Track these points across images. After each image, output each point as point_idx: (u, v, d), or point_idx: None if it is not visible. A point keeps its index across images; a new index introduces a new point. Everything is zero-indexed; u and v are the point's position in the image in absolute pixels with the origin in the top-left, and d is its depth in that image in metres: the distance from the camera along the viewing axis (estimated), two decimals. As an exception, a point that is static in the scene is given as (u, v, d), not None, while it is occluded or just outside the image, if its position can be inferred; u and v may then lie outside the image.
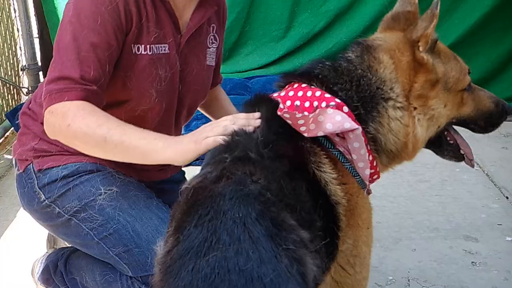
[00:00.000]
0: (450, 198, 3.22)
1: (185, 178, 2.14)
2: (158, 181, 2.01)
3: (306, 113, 1.39)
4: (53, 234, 2.17)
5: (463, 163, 1.75)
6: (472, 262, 2.60)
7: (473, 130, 1.75)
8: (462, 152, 1.72)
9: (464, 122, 1.70)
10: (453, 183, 3.38)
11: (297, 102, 1.44)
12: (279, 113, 1.36)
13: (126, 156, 1.57)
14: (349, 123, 1.34)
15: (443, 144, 1.70)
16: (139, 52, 1.70)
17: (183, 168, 2.14)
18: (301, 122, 1.34)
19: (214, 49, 1.97)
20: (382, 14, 1.71)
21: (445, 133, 1.69)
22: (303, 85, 1.48)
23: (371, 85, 1.48)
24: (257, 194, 1.12)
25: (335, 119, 1.33)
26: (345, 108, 1.40)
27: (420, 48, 1.48)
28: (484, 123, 1.72)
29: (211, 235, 1.03)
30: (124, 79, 1.71)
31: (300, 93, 1.45)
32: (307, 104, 1.42)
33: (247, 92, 4.50)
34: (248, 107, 1.49)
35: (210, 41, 1.94)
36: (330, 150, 1.40)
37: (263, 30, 5.09)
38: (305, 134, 1.34)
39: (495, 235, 2.84)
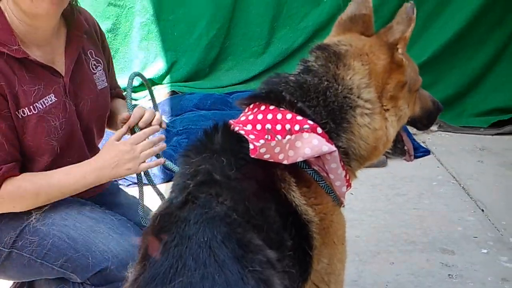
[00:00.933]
0: (427, 212, 3.27)
1: (120, 189, 2.25)
2: (95, 196, 2.06)
3: (279, 136, 1.38)
4: (4, 278, 2.17)
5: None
6: (449, 274, 2.65)
7: (418, 128, 1.83)
8: (405, 148, 1.77)
9: (413, 121, 1.73)
10: (430, 197, 3.44)
11: (268, 126, 1.42)
12: (252, 155, 1.31)
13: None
14: (326, 146, 1.34)
15: (397, 143, 1.71)
16: (25, 115, 1.76)
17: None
18: (277, 150, 1.32)
19: (101, 71, 2.01)
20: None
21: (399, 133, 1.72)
22: (271, 107, 1.44)
23: (337, 96, 1.46)
24: (223, 215, 1.13)
25: (312, 143, 1.33)
26: (319, 130, 1.40)
27: (399, 50, 1.50)
28: (426, 120, 1.78)
29: (177, 261, 1.04)
30: (22, 142, 1.78)
31: (269, 116, 1.43)
32: (278, 127, 1.41)
33: (227, 107, 4.53)
34: (207, 137, 1.42)
35: (93, 67, 1.99)
36: (305, 169, 1.40)
37: (243, 46, 5.15)
38: (285, 162, 1.32)
39: (471, 247, 2.89)
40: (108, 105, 2.07)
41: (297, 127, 1.39)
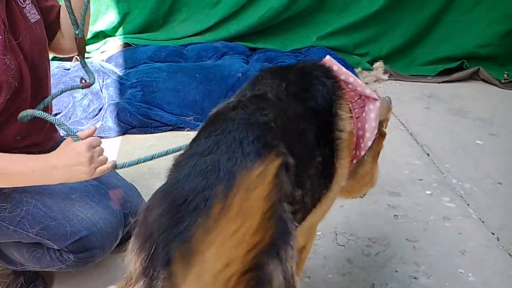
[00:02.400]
0: (376, 157, 3.42)
1: None
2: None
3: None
4: None
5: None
6: (395, 215, 2.81)
7: None
8: None
9: None
10: (380, 143, 3.57)
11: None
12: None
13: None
14: (376, 95, 1.73)
15: None
16: None
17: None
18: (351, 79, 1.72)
19: (30, 4, 1.91)
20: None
21: None
22: None
23: None
24: (261, 123, 1.40)
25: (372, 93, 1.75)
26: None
27: (384, 127, 1.94)
28: None
29: (214, 145, 1.31)
30: None
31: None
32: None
33: (182, 59, 4.52)
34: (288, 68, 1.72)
35: (21, 1, 1.88)
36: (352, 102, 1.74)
37: (196, -4, 5.09)
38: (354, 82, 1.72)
39: (416, 189, 3.06)
40: (45, 38, 1.99)
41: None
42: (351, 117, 1.68)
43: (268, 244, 1.03)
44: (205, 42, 4.87)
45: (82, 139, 1.72)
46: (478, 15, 4.95)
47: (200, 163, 1.25)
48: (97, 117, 3.70)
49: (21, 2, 1.88)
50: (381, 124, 1.90)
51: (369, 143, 1.72)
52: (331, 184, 1.65)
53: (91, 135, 1.77)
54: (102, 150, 1.77)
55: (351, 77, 1.73)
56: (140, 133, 3.68)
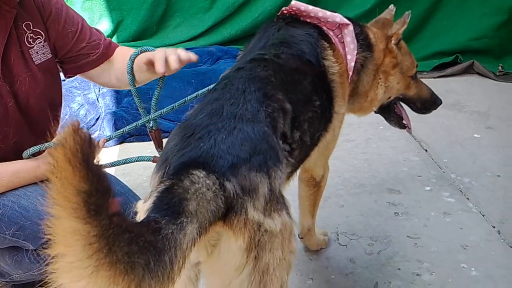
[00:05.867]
0: (375, 155, 3.43)
1: None
2: None
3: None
4: None
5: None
6: (395, 212, 2.82)
7: (412, 109, 2.41)
8: (404, 122, 2.40)
9: (407, 101, 2.36)
10: (377, 141, 3.60)
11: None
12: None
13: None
14: (345, 20, 1.99)
15: (391, 112, 2.38)
16: None
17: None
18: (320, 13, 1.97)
19: (42, 42, 1.94)
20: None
21: (394, 105, 2.36)
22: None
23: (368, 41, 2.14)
24: (262, 77, 1.63)
25: (341, 18, 2.00)
26: (351, 27, 2.00)
27: (392, 41, 2.15)
28: (420, 105, 2.39)
29: (220, 95, 1.54)
30: None
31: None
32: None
33: (177, 65, 4.52)
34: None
35: (30, 40, 1.91)
36: (331, 37, 1.98)
37: (189, 2, 5.12)
38: (320, 14, 1.97)
39: (415, 186, 3.07)
40: (52, 79, 2.01)
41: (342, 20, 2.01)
42: (337, 60, 1.93)
43: (259, 162, 1.32)
44: (199, 47, 4.89)
45: None
46: (471, 9, 4.97)
47: (207, 108, 1.49)
48: (94, 126, 3.71)
49: (29, 42, 1.90)
50: (388, 39, 2.16)
51: (352, 64, 1.97)
52: (332, 116, 1.93)
53: None
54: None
55: (319, 12, 1.98)
56: (138, 141, 3.69)
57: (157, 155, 2.03)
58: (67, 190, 0.91)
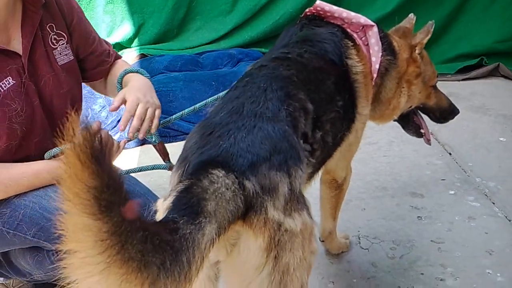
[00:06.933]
0: (397, 158, 3.38)
1: None
2: None
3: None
4: None
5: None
6: (418, 216, 2.77)
7: (430, 118, 2.40)
8: (422, 131, 2.38)
9: (426, 110, 2.35)
10: (400, 144, 3.53)
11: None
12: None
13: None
14: (370, 21, 1.96)
15: (410, 121, 2.37)
16: None
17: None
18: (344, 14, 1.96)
19: (64, 44, 1.97)
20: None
21: (413, 115, 2.35)
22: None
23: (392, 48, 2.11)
24: (284, 76, 1.63)
25: (366, 20, 1.98)
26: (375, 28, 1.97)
27: (416, 50, 2.15)
28: (439, 115, 2.38)
29: (241, 93, 1.54)
30: None
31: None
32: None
33: (198, 67, 4.53)
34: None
35: (54, 42, 1.94)
36: (355, 39, 1.95)
37: (210, 4, 5.09)
38: (344, 15, 1.95)
39: (439, 189, 3.01)
40: (75, 80, 2.04)
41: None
42: (361, 60, 1.91)
43: (280, 161, 1.30)
44: (220, 49, 4.88)
45: None
46: (495, 12, 4.88)
47: (228, 106, 1.48)
48: (115, 128, 3.72)
49: (53, 43, 1.93)
50: (412, 48, 2.14)
51: (377, 66, 1.94)
52: (355, 117, 1.91)
53: None
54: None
55: (344, 13, 1.95)
56: (158, 143, 3.68)
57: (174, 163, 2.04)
58: (77, 186, 0.89)
